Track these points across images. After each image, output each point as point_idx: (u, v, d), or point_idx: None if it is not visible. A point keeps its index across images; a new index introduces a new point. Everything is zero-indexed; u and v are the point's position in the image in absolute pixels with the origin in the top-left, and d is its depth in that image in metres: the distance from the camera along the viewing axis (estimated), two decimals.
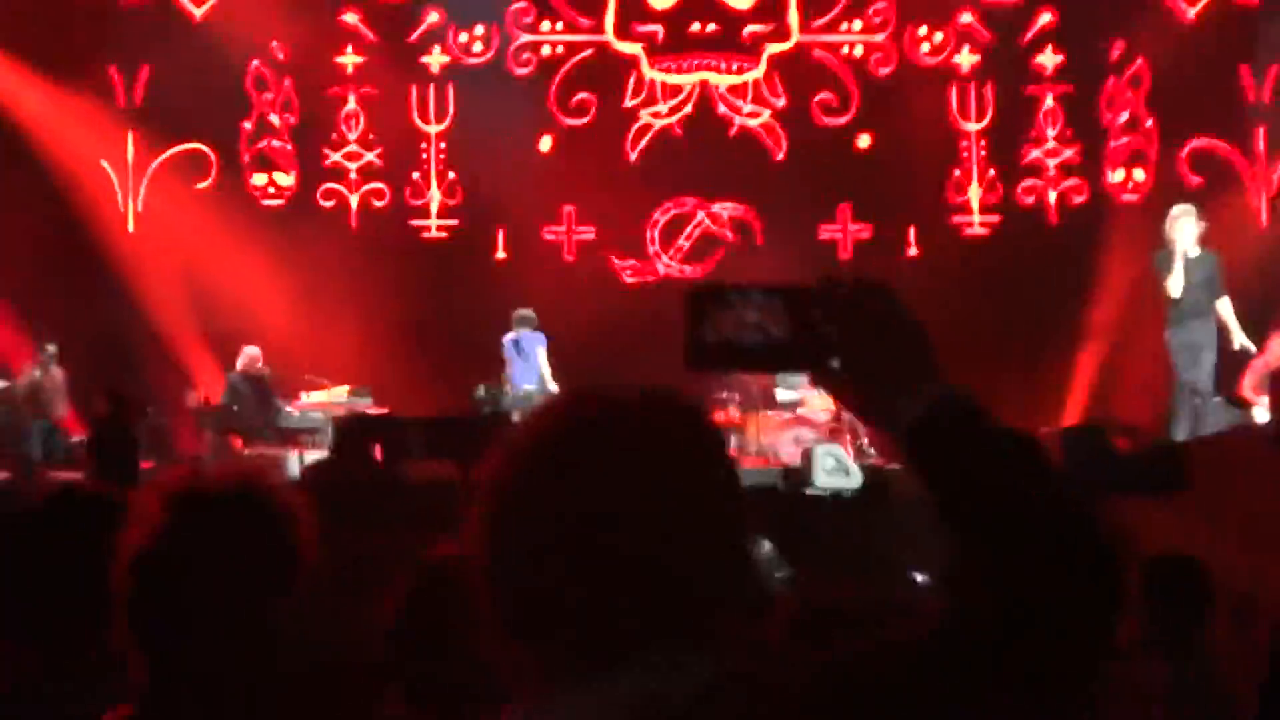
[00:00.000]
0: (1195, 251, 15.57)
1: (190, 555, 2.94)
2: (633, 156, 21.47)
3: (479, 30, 21.67)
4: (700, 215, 21.59)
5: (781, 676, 1.98)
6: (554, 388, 18.11)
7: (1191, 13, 21.09)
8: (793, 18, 21.57)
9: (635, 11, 21.54)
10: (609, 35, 21.56)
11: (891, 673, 1.94)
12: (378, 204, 21.67)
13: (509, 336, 19.14)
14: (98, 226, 20.74)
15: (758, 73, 21.55)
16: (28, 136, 20.65)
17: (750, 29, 21.49)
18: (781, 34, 21.56)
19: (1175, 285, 15.43)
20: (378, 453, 13.98)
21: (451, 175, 21.66)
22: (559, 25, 21.67)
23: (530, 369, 19.00)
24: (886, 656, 1.98)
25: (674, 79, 21.53)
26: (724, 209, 21.56)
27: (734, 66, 21.56)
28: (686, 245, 21.48)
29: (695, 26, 21.45)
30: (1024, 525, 1.97)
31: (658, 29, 21.49)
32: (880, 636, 2.00)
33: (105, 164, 21.18)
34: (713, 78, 21.57)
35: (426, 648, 3.66)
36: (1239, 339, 15.83)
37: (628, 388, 2.06)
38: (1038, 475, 2.02)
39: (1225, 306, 15.80)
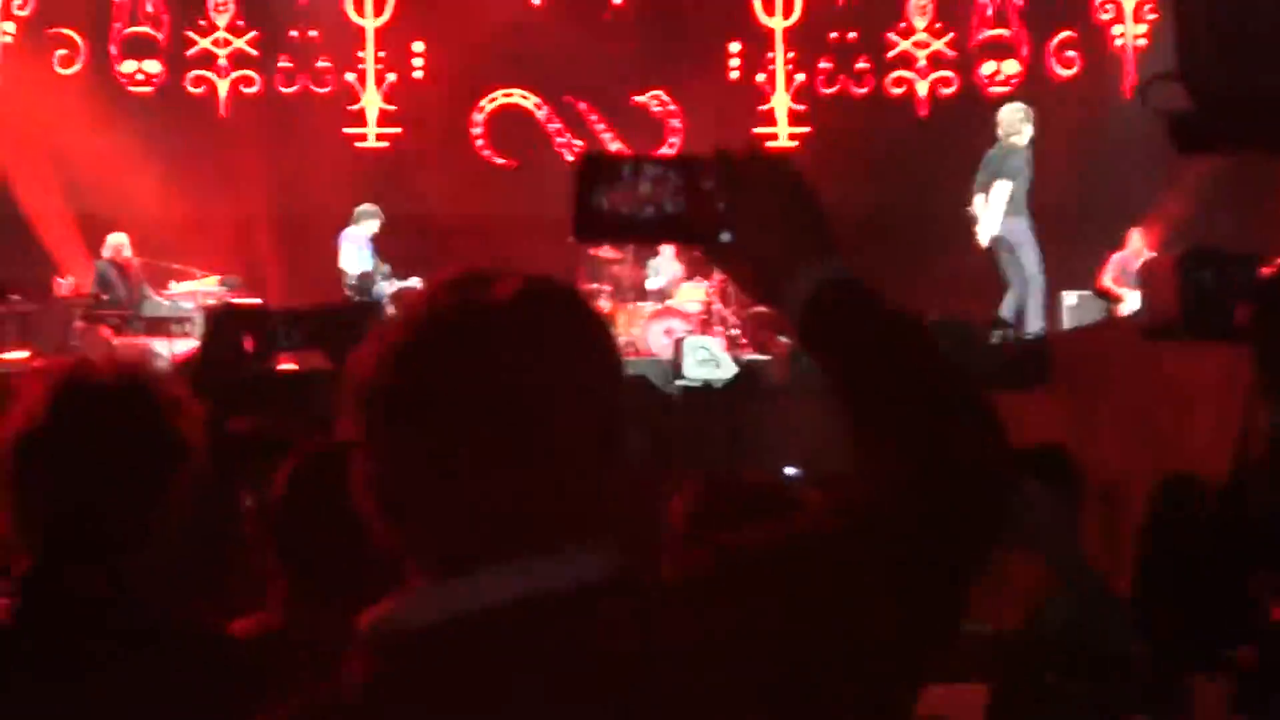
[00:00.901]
0: (1026, 150, 15.96)
1: (76, 441, 2.93)
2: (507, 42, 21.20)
3: None
4: (567, 106, 21.48)
5: (677, 572, 1.96)
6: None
7: None
8: None
9: None
10: None
11: (791, 561, 1.93)
12: (248, 91, 21.37)
13: (358, 231, 18.94)
14: None
15: None
16: None
17: None
18: None
19: (1011, 181, 15.75)
20: (249, 343, 13.85)
21: (324, 63, 21.43)
22: None
23: (370, 262, 18.80)
24: (784, 546, 1.97)
25: None
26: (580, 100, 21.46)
27: None
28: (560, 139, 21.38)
29: None
30: (916, 402, 1.99)
31: None
32: (777, 526, 1.98)
33: None
34: None
35: (308, 536, 3.66)
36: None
37: (508, 273, 1.97)
38: (927, 355, 2.04)
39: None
